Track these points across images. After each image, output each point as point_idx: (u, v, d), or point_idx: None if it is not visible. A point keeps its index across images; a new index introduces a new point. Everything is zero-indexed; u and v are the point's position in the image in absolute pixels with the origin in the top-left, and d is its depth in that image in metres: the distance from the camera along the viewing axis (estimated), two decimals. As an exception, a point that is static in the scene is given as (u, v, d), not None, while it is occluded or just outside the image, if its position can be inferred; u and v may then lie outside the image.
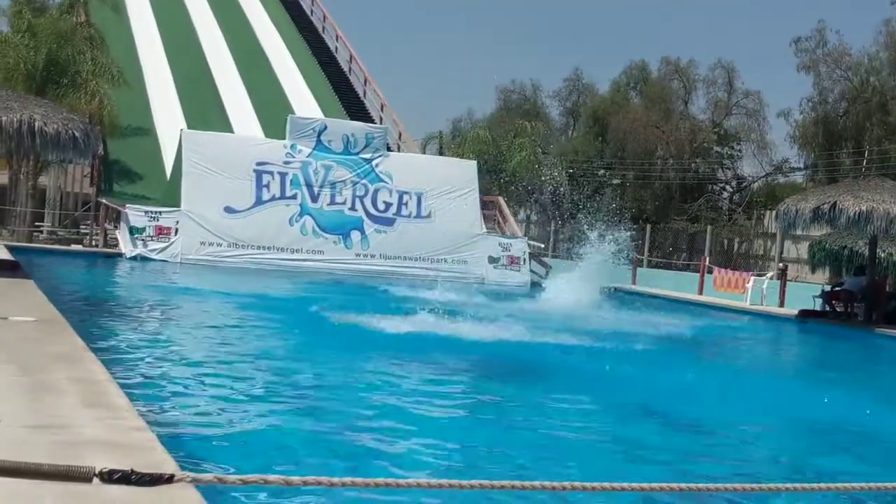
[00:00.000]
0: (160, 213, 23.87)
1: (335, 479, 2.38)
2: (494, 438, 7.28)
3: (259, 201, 24.96)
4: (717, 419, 8.91)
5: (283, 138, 26.03)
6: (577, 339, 13.38)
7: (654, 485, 2.78)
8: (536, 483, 2.56)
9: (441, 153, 39.47)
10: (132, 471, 2.15)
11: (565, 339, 13.29)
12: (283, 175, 25.36)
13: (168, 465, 4.68)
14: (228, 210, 24.52)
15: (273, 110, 31.16)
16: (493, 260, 26.28)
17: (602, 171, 49.24)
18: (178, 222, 23.81)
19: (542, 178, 36.55)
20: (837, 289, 22.67)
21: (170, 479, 2.19)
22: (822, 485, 3.50)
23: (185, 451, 5.84)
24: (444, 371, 10.35)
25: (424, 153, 36.44)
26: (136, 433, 5.15)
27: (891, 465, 7.51)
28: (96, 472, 2.14)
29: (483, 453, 6.81)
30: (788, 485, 3.60)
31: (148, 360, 9.51)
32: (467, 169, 27.81)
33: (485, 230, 27.03)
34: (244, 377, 8.97)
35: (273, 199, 25.11)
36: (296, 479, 2.32)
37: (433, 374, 9.96)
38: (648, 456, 7.11)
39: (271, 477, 2.29)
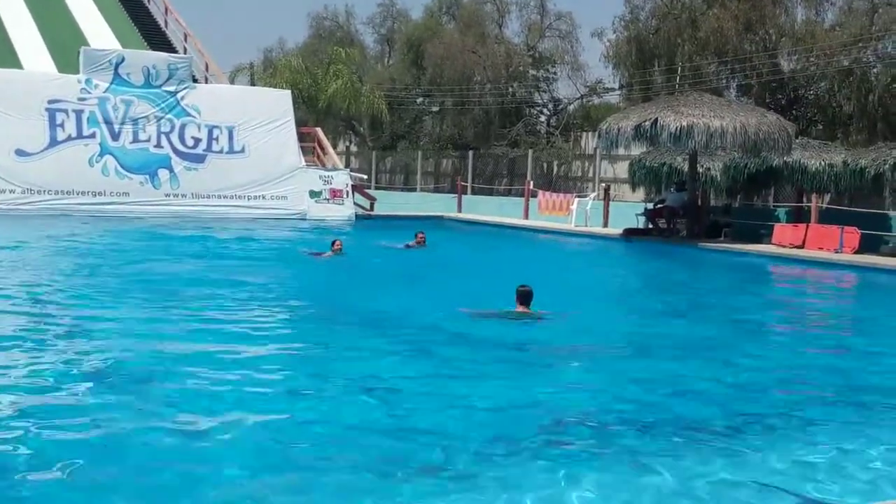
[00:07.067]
0: (-60, 160, 21.57)
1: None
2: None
3: (53, 142, 22.97)
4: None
5: (77, 73, 23.90)
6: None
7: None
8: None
9: (253, 85, 37.60)
10: None
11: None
12: (78, 113, 23.36)
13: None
14: (20, 153, 22.54)
15: (65, 43, 28.60)
16: (314, 194, 25.07)
17: (420, 99, 48.35)
18: (-38, 169, 21.58)
19: (361, 107, 35.32)
20: (660, 206, 22.81)
21: None
22: None
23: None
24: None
25: (234, 85, 34.53)
26: None
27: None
28: None
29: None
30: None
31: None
32: (281, 99, 26.38)
33: (304, 163, 25.77)
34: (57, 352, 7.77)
35: (69, 139, 23.13)
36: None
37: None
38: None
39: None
